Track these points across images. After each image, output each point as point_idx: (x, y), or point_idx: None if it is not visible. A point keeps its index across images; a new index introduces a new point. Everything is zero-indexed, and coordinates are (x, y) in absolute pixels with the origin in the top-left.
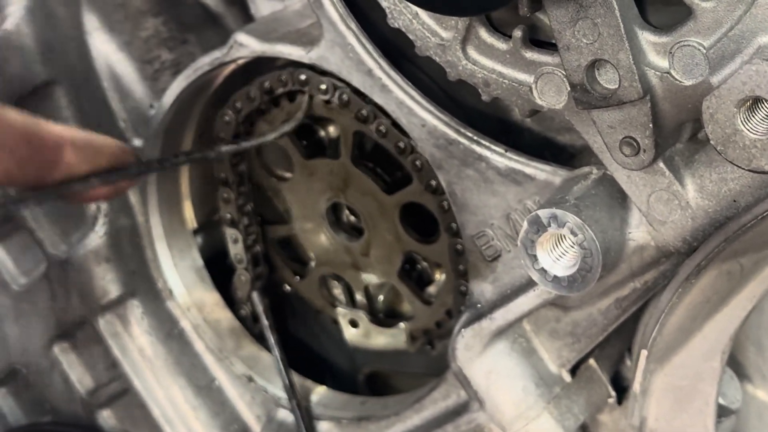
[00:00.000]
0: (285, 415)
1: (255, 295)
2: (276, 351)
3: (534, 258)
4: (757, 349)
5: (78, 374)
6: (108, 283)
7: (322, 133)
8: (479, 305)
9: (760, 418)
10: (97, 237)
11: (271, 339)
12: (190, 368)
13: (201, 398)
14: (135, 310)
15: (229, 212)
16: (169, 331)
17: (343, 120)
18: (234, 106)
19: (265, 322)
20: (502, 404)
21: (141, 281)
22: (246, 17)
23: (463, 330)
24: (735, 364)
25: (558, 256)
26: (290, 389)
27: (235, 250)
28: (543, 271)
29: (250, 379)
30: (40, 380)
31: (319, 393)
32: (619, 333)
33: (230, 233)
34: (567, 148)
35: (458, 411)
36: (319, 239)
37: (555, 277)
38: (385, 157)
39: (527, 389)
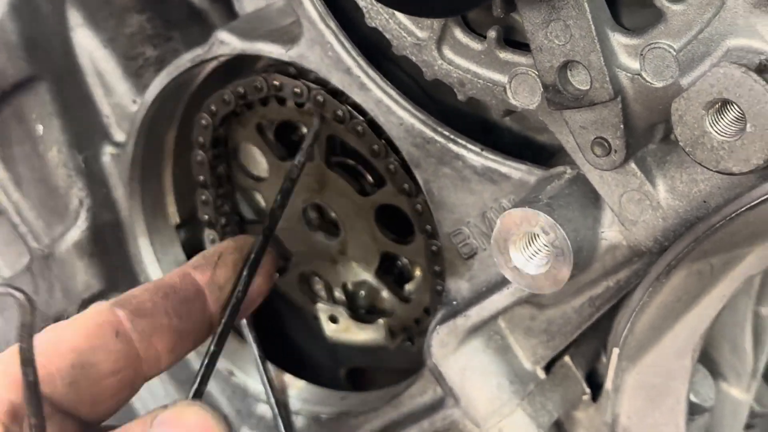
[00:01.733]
0: (265, 410)
1: None
2: (254, 347)
3: (507, 256)
4: (732, 348)
5: None
6: (90, 277)
7: (296, 136)
8: (455, 302)
9: (734, 416)
10: (79, 231)
11: (249, 336)
12: None
13: (182, 392)
14: None
15: (206, 213)
16: None
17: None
18: (210, 110)
19: (242, 320)
20: (477, 401)
21: (124, 276)
22: (230, 14)
23: (438, 327)
24: (710, 362)
25: (530, 255)
26: (267, 385)
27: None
28: (516, 270)
29: (231, 374)
30: None
31: (298, 388)
32: (595, 330)
33: (207, 233)
34: (546, 147)
35: (434, 407)
36: (297, 238)
37: (527, 275)
38: (359, 160)
39: (501, 386)
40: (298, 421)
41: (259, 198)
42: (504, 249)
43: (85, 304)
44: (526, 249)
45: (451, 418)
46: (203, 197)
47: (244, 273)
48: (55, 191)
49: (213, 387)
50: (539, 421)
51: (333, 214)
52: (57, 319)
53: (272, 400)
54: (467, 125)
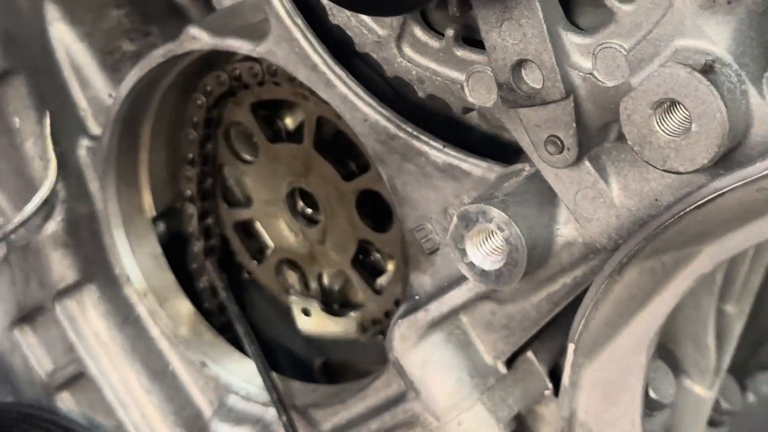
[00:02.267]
0: (236, 401)
1: (209, 264)
2: (249, 346)
3: (463, 252)
4: (695, 345)
5: (37, 356)
6: (65, 268)
7: (287, 119)
8: (417, 297)
9: (696, 412)
10: (55, 223)
11: (243, 332)
12: (146, 353)
13: (155, 383)
14: (92, 295)
15: (189, 189)
16: (125, 316)
17: (307, 104)
18: (205, 90)
19: (234, 308)
20: (436, 394)
21: (98, 267)
22: (209, 10)
23: (399, 321)
24: (672, 358)
25: (487, 251)
26: (270, 385)
27: (191, 225)
28: (472, 265)
29: (204, 365)
30: (2, 361)
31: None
32: (560, 327)
33: (188, 208)
34: (512, 144)
35: (397, 400)
36: (278, 224)
37: (483, 271)
38: (346, 145)
39: (461, 380)
40: (267, 413)
41: (247, 180)
42: (461, 245)
43: (59, 295)
44: (482, 245)
45: (411, 411)
46: (188, 173)
47: None
48: (31, 183)
49: (185, 378)
50: (498, 416)
51: (315, 203)
52: (34, 310)
53: (276, 402)
54: (436, 123)
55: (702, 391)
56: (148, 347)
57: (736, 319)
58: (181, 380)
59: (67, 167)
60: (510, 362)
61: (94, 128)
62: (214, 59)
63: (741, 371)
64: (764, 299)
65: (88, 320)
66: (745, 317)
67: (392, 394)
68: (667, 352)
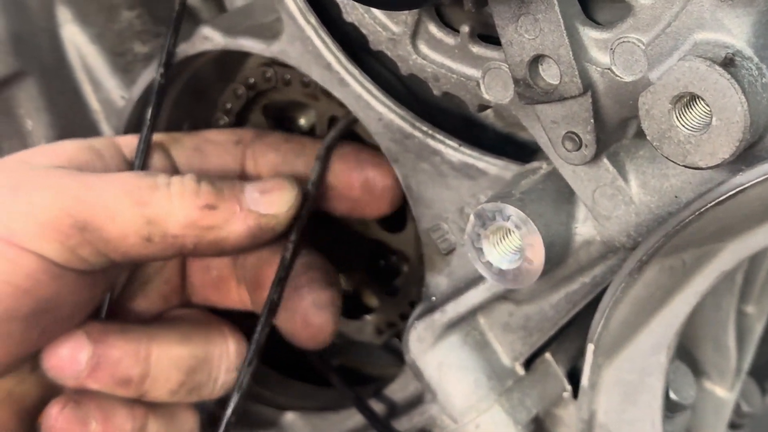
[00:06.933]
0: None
1: None
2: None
3: (480, 251)
4: (715, 346)
5: None
6: None
7: (299, 120)
8: (434, 298)
9: (717, 414)
10: None
11: None
12: None
13: None
14: None
15: None
16: None
17: (319, 104)
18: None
19: None
20: (453, 396)
21: None
22: (221, 11)
23: (416, 322)
24: (692, 360)
25: (504, 250)
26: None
27: None
28: (489, 264)
29: None
30: None
31: (283, 383)
32: (578, 328)
33: None
34: (529, 144)
35: (414, 403)
36: None
37: (500, 270)
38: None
39: (479, 381)
40: (284, 418)
41: None
42: (477, 244)
43: None
44: (498, 244)
45: (428, 413)
46: None
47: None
48: None
49: None
50: (516, 417)
51: None
52: None
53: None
54: (450, 122)
55: (723, 392)
56: None
57: (756, 320)
58: None
59: None
60: (528, 364)
61: (107, 131)
62: (227, 60)
63: (762, 373)
64: None
65: None
66: (765, 318)
67: (409, 396)
68: (686, 353)
